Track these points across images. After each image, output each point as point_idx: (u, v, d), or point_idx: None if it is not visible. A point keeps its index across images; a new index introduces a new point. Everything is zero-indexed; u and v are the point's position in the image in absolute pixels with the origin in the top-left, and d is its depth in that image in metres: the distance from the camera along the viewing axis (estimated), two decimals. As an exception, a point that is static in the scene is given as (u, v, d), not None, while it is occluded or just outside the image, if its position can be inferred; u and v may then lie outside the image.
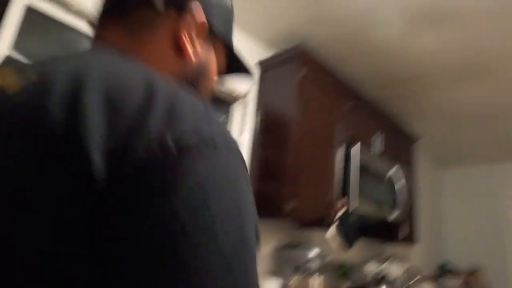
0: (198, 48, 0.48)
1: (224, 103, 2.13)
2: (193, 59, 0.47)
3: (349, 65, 2.35)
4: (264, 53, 2.24)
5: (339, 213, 1.95)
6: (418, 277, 2.77)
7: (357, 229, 2.03)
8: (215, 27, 0.50)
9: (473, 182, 4.00)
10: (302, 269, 1.85)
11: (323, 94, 2.08)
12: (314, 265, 1.88)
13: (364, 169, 2.18)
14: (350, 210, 2.00)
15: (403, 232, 2.69)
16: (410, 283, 2.67)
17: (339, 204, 1.98)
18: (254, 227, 0.33)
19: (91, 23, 0.48)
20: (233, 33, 0.56)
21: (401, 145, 2.87)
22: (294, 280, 1.81)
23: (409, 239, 2.81)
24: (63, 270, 0.27)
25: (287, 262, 1.93)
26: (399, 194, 2.49)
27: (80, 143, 0.28)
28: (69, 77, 0.32)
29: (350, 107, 2.28)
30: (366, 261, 2.57)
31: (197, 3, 0.47)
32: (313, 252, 1.92)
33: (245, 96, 2.09)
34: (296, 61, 1.97)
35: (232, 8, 0.56)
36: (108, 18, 0.46)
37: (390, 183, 2.43)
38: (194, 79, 0.48)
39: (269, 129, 2.01)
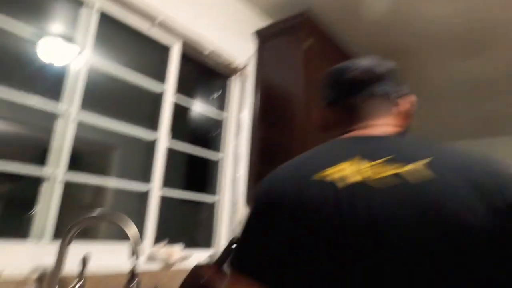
0: None
1: (220, 76, 1.95)
2: None
3: (347, 36, 2.21)
4: (261, 22, 2.06)
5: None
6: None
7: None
8: None
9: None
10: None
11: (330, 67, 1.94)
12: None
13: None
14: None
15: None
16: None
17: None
18: None
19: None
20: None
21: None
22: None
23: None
24: None
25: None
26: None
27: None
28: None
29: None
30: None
31: None
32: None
33: (243, 68, 1.92)
34: (300, 31, 1.80)
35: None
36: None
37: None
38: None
39: (270, 106, 1.86)
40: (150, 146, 1.53)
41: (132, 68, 1.49)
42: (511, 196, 0.48)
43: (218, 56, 1.80)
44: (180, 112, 1.68)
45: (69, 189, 1.22)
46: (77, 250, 1.03)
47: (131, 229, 1.01)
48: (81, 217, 1.00)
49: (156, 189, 1.49)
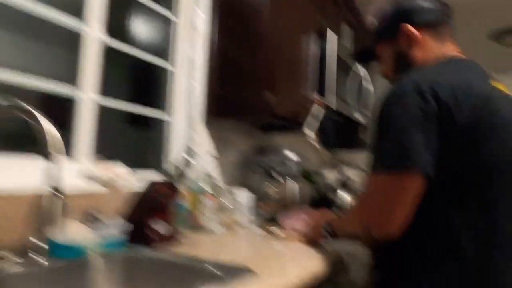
0: None
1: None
2: None
3: None
4: None
5: (315, 111, 1.65)
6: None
7: (335, 130, 1.78)
8: None
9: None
10: (275, 175, 1.57)
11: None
12: (286, 170, 1.61)
13: (338, 64, 1.86)
14: (327, 108, 1.71)
15: (365, 137, 2.55)
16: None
17: (315, 101, 1.67)
18: None
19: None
20: None
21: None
22: (267, 187, 1.54)
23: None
24: None
25: (256, 168, 1.63)
26: (367, 96, 2.27)
27: None
28: None
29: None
30: (327, 167, 2.41)
31: None
32: (286, 157, 1.64)
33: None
34: None
35: None
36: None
37: (360, 83, 2.18)
38: None
39: (230, 17, 1.54)
40: (75, 37, 1.15)
41: None
42: None
43: None
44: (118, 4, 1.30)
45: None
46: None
47: (48, 128, 0.71)
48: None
49: (87, 94, 1.15)
